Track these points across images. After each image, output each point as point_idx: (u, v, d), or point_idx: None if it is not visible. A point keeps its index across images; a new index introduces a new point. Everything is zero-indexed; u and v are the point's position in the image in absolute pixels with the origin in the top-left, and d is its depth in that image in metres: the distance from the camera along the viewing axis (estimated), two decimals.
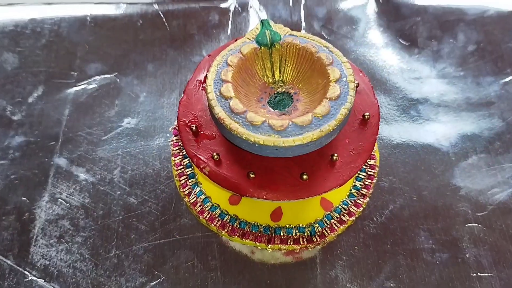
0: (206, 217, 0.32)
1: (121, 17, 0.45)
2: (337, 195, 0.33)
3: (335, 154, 0.28)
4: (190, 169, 0.33)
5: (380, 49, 0.44)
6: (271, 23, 0.29)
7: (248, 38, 0.29)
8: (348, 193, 0.33)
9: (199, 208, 0.32)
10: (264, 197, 0.28)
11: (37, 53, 0.43)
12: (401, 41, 0.44)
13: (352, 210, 0.32)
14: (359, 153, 0.29)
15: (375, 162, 0.35)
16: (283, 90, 0.29)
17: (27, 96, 0.41)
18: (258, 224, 0.32)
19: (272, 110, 0.28)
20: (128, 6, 0.46)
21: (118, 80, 0.42)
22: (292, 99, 0.29)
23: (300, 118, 0.26)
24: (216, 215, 0.32)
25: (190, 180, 0.33)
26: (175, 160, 0.34)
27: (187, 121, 0.29)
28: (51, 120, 0.40)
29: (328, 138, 0.26)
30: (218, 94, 0.27)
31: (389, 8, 0.46)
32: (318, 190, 0.28)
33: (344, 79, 0.27)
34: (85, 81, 0.42)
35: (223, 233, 0.32)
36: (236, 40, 0.32)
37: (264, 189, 0.28)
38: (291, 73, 0.30)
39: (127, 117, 0.40)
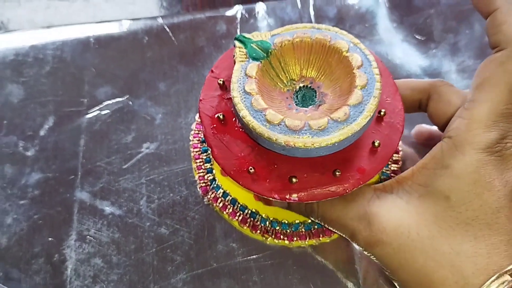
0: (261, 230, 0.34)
1: (126, 35, 0.43)
2: None
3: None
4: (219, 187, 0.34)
5: (396, 47, 0.43)
6: (247, 35, 0.28)
7: (240, 62, 0.28)
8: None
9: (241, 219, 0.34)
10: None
11: (43, 82, 0.41)
12: (417, 36, 0.43)
13: None
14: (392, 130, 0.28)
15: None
16: (301, 85, 0.29)
17: (38, 129, 0.39)
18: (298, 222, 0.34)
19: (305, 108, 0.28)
20: (132, 23, 0.44)
21: (130, 103, 0.41)
22: (315, 90, 0.28)
23: (337, 113, 0.25)
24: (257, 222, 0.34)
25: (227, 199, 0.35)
26: (200, 183, 0.34)
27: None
28: (67, 153, 0.39)
29: (368, 125, 0.26)
30: (249, 105, 0.26)
31: (400, 2, 0.45)
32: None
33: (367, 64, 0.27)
34: (97, 107, 0.40)
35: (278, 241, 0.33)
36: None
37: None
38: (306, 67, 0.29)
39: (146, 142, 0.39)
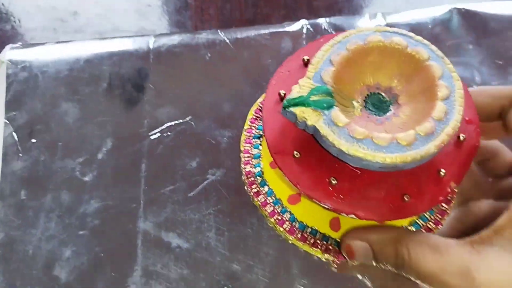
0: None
1: (187, 51, 0.40)
2: None
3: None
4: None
5: (474, 71, 0.40)
6: (290, 96, 0.24)
7: (319, 121, 0.25)
8: None
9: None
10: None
11: (99, 101, 0.38)
12: (496, 60, 0.41)
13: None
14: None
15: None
16: (364, 98, 0.26)
17: (96, 152, 0.37)
18: None
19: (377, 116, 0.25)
20: (193, 37, 0.41)
21: (193, 124, 0.38)
22: (377, 93, 0.26)
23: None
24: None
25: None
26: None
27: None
28: (127, 179, 0.36)
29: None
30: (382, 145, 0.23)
31: (475, 23, 0.43)
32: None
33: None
34: (158, 129, 0.38)
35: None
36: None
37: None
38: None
39: (212, 168, 0.36)
